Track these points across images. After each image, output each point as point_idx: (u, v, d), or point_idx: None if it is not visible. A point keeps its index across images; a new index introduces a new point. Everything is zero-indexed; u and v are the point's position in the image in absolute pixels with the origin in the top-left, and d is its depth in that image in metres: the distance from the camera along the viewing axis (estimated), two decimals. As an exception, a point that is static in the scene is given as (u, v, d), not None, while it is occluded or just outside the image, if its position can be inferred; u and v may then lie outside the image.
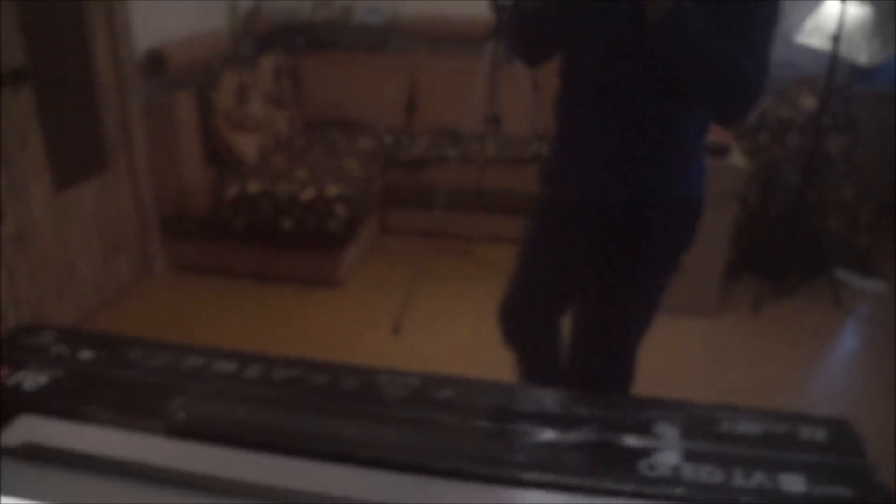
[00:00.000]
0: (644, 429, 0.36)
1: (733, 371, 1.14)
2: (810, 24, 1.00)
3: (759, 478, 0.34)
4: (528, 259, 0.72)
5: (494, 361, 0.80)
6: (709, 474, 0.34)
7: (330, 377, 0.40)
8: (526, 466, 0.33)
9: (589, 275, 0.64)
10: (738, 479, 0.34)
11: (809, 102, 0.99)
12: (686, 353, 1.20)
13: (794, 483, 0.34)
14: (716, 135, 0.91)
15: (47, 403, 0.40)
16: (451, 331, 1.19)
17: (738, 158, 1.05)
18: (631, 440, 0.36)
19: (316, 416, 0.39)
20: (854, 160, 0.98)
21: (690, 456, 0.34)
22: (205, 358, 0.44)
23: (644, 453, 0.35)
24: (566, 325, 0.69)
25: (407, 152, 1.48)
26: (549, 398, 0.39)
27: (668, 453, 0.36)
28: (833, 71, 1.01)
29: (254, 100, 1.44)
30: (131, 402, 0.40)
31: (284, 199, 1.16)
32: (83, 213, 1.16)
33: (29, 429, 0.39)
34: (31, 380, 0.43)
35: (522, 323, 0.75)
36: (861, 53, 0.87)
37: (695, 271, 0.92)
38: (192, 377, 0.42)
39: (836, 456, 0.35)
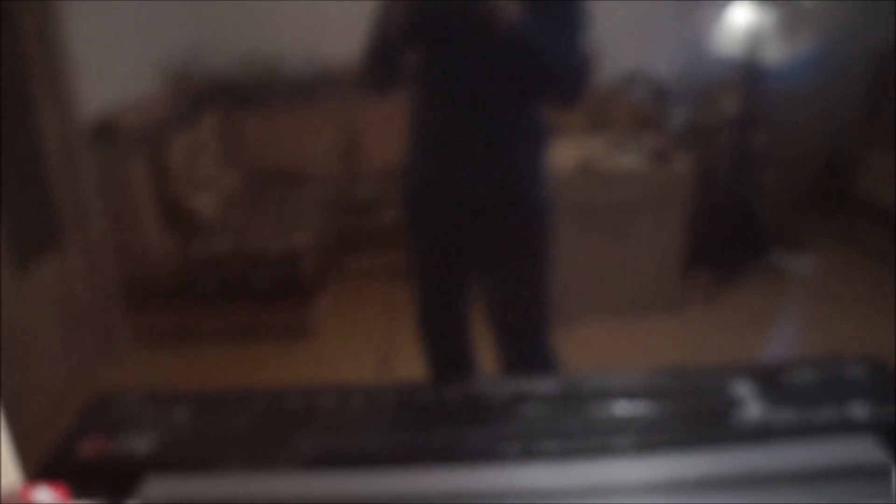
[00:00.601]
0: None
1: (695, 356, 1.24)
2: (722, 33, 1.12)
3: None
4: (423, 282, 0.80)
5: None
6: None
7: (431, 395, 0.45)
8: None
9: (481, 272, 0.73)
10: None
11: (731, 105, 1.09)
12: (650, 347, 1.29)
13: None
14: (658, 143, 1.01)
15: (168, 460, 0.43)
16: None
17: (678, 164, 1.15)
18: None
19: (422, 428, 0.44)
20: (774, 152, 1.10)
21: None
22: (304, 397, 0.49)
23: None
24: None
25: (356, 197, 1.53)
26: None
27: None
28: (748, 74, 1.14)
29: (203, 159, 1.46)
30: (254, 443, 0.44)
31: (254, 254, 1.19)
32: (42, 292, 1.16)
33: (161, 488, 0.41)
34: (141, 442, 0.45)
35: (438, 329, 0.82)
36: (769, 56, 0.98)
37: (652, 271, 1.01)
38: (302, 414, 0.47)
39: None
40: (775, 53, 1.00)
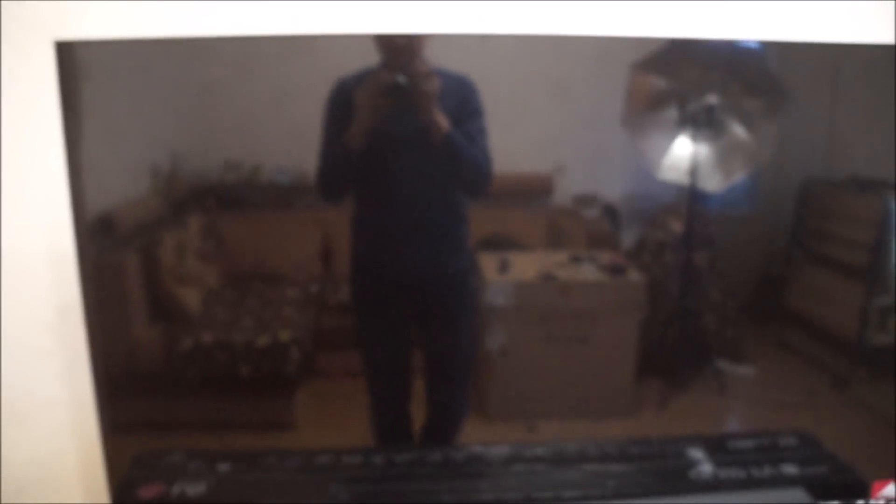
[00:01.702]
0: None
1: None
2: (667, 162, 1.25)
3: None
4: (369, 348, 0.97)
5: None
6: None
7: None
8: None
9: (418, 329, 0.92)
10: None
11: (676, 226, 1.21)
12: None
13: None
14: (613, 259, 1.10)
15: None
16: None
17: (633, 275, 1.25)
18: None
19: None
20: (717, 268, 1.21)
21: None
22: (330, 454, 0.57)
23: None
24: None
25: (334, 297, 1.59)
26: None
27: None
28: (691, 199, 1.26)
29: (189, 256, 1.52)
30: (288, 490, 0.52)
31: (241, 347, 1.23)
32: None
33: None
34: (193, 488, 0.50)
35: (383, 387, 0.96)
36: (709, 183, 1.09)
37: (611, 378, 1.08)
38: (334, 468, 0.55)
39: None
40: (714, 181, 1.12)
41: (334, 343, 1.82)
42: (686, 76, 0.99)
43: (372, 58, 0.82)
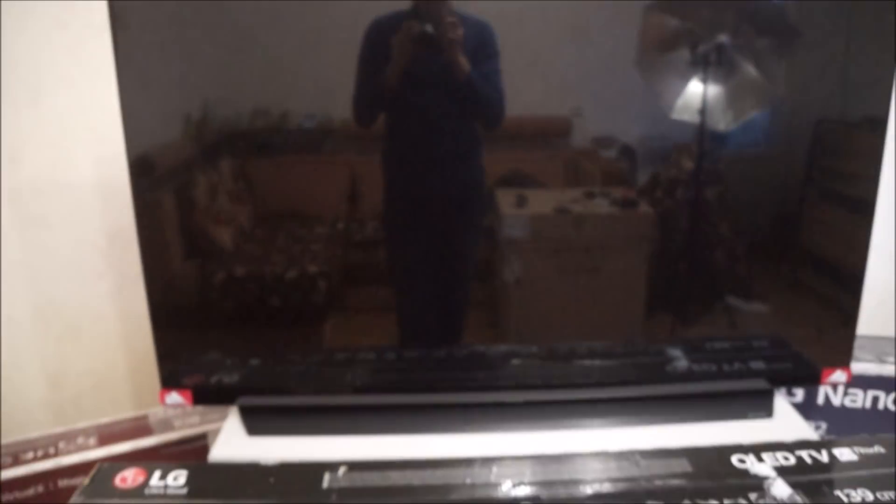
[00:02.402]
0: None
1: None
2: (680, 102, 1.28)
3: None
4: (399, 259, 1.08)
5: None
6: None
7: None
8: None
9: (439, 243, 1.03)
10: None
11: (688, 163, 1.25)
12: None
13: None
14: (626, 193, 1.15)
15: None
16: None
17: (644, 208, 1.30)
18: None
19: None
20: (727, 204, 1.25)
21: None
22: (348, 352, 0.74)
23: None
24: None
25: (360, 234, 1.67)
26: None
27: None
28: (701, 137, 1.29)
29: (222, 197, 1.60)
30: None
31: (271, 279, 1.31)
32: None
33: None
34: (227, 378, 0.63)
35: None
36: (719, 123, 1.13)
37: (621, 309, 1.13)
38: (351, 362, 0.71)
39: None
40: (725, 120, 1.16)
41: (359, 277, 1.90)
42: (698, 15, 1.01)
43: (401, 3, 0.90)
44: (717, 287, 1.28)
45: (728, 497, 0.65)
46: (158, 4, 0.87)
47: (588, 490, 0.67)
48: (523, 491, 0.67)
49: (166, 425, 1.03)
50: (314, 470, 0.70)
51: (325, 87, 0.95)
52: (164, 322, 0.97)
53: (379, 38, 0.92)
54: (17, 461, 0.95)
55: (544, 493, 0.67)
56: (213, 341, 0.98)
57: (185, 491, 0.68)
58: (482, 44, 0.92)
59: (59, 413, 1.34)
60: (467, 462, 0.71)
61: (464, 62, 0.91)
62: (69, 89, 1.22)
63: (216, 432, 0.91)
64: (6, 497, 0.93)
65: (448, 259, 1.08)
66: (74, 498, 0.67)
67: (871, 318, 1.39)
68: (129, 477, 0.69)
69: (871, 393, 1.05)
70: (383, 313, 1.09)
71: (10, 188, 1.25)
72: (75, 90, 1.21)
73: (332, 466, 0.71)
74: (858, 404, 1.06)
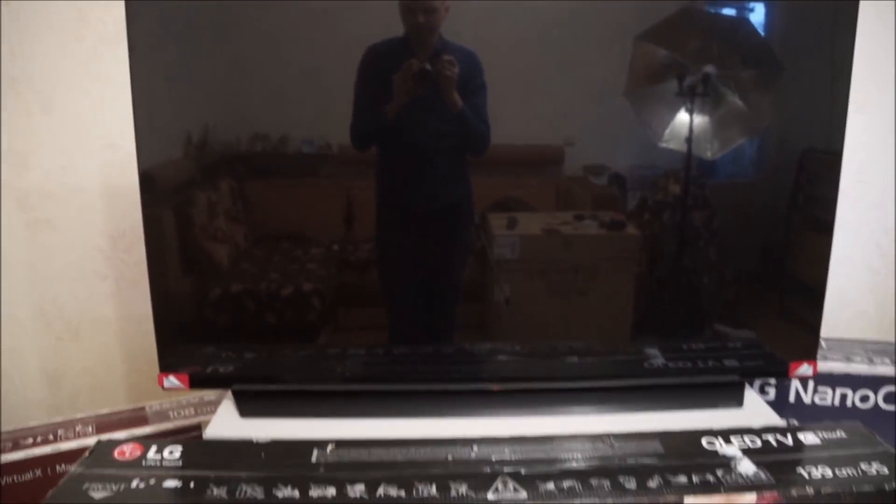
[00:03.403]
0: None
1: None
2: (668, 132, 1.32)
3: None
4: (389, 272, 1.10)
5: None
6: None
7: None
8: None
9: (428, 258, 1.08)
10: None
11: (675, 189, 1.28)
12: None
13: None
14: (614, 216, 1.18)
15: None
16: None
17: (632, 230, 1.33)
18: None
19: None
20: (713, 229, 1.28)
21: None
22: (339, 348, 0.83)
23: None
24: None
25: (354, 255, 1.70)
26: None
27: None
28: (689, 165, 1.33)
29: (220, 217, 1.64)
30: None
31: (266, 296, 1.33)
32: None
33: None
34: (222, 369, 0.68)
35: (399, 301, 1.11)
36: (706, 150, 1.17)
37: (608, 330, 1.15)
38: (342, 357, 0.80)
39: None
40: (711, 149, 1.19)
41: (353, 297, 1.92)
42: (685, 47, 1.05)
43: (394, 27, 0.93)
44: (703, 311, 1.30)
45: (697, 473, 0.69)
46: (169, 28, 0.92)
47: (563, 467, 0.71)
48: (502, 467, 0.71)
49: (162, 416, 1.06)
50: (303, 446, 0.74)
51: (322, 113, 1.00)
52: (165, 323, 1.00)
53: (375, 65, 0.97)
54: (16, 446, 0.97)
55: (522, 470, 0.70)
56: (210, 339, 1.01)
57: (180, 463, 0.71)
58: (470, 75, 0.97)
59: (56, 412, 1.35)
60: (449, 441, 0.76)
61: (457, 98, 0.97)
62: (80, 99, 1.27)
63: (212, 418, 0.95)
64: (6, 480, 0.96)
65: (438, 276, 1.11)
66: (74, 469, 0.70)
67: (846, 324, 1.46)
68: (127, 451, 0.73)
69: (839, 391, 1.09)
70: (375, 330, 1.12)
71: (18, 191, 1.30)
72: (86, 100, 1.27)
73: (320, 443, 0.75)
74: (828, 402, 1.10)
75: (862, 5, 0.94)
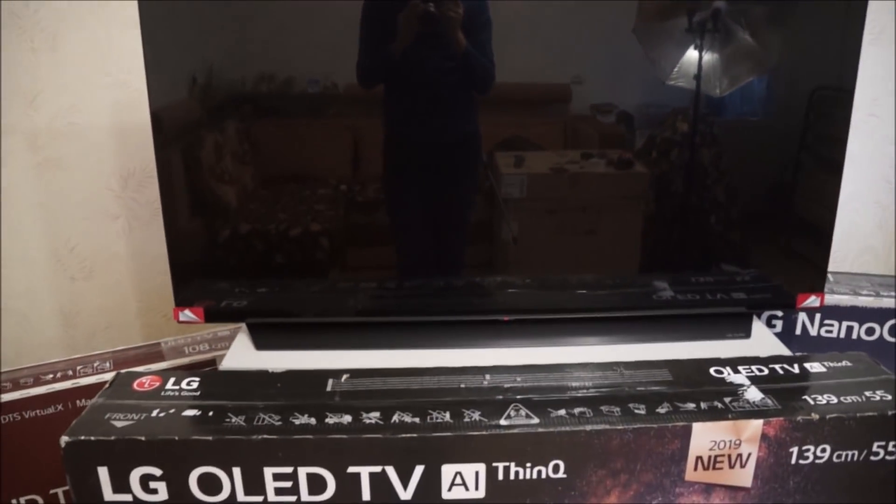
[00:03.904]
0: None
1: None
2: (676, 69, 1.31)
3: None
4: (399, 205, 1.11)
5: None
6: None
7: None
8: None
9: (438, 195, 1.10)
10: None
11: (683, 126, 1.28)
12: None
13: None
14: (622, 154, 1.18)
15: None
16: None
17: (640, 167, 1.33)
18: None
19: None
20: (721, 168, 1.28)
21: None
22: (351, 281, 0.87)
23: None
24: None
25: (362, 196, 1.71)
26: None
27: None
28: (697, 102, 1.33)
29: (227, 158, 1.64)
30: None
31: (275, 236, 1.34)
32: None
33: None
34: (235, 303, 0.71)
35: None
36: (714, 89, 1.16)
37: (616, 270, 1.16)
38: (354, 290, 0.80)
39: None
40: (720, 86, 1.18)
41: (361, 237, 1.93)
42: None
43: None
44: (712, 249, 1.30)
45: (704, 400, 0.70)
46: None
47: (574, 395, 0.72)
48: (514, 395, 0.72)
49: (178, 352, 1.08)
50: (318, 376, 0.76)
51: (328, 52, 0.99)
52: (180, 258, 1.02)
53: (380, 4, 0.97)
54: (37, 381, 1.00)
55: (534, 397, 0.72)
56: (223, 276, 1.03)
57: (198, 393, 0.73)
58: (476, 10, 0.97)
59: (73, 351, 1.38)
60: (462, 370, 0.77)
61: (462, 38, 0.97)
62: (87, 35, 1.25)
63: (228, 352, 0.97)
64: (28, 414, 0.98)
65: (446, 213, 1.13)
66: (96, 400, 0.72)
67: (853, 259, 1.47)
68: (146, 382, 0.75)
69: (845, 324, 1.11)
70: (384, 270, 1.13)
71: (26, 131, 1.29)
72: (92, 36, 1.25)
73: (335, 373, 0.77)
74: (834, 334, 1.12)
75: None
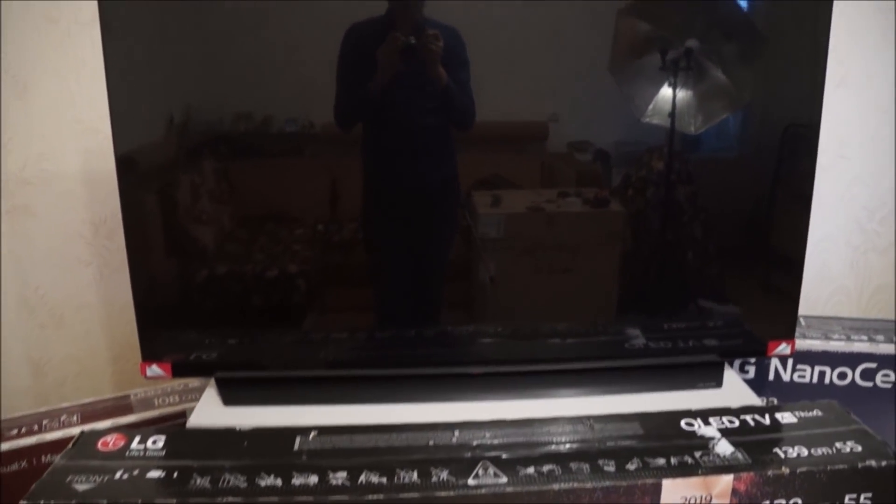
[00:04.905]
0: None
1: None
2: (651, 107, 1.32)
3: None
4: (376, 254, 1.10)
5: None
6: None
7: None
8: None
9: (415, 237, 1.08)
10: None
11: (659, 164, 1.28)
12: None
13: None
14: (598, 193, 1.18)
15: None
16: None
17: (616, 206, 1.33)
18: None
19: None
20: (697, 205, 1.28)
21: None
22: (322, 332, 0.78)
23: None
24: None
25: (339, 236, 1.69)
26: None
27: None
28: (672, 140, 1.33)
29: (204, 197, 1.63)
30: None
31: (252, 278, 1.33)
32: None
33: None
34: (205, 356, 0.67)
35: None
36: (689, 126, 1.17)
37: (592, 311, 1.16)
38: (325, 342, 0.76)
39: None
40: (694, 123, 1.19)
41: (339, 278, 1.91)
42: (668, 20, 1.04)
43: (376, 5, 0.92)
44: (687, 287, 1.30)
45: (675, 455, 0.70)
46: (144, 7, 0.90)
47: (544, 451, 0.71)
48: (483, 452, 0.71)
49: (147, 405, 1.07)
50: (286, 434, 0.75)
51: (306, 91, 0.98)
52: (147, 311, 1.00)
53: (358, 44, 0.96)
54: (1, 437, 0.98)
55: (503, 454, 0.71)
56: (193, 326, 1.01)
57: (163, 453, 0.72)
58: (453, 51, 0.97)
59: (42, 400, 1.36)
60: (431, 426, 0.76)
61: (442, 73, 0.96)
62: (57, 82, 1.25)
63: (195, 407, 0.95)
64: (-9, 471, 0.97)
65: (424, 256, 1.11)
66: (58, 461, 0.70)
67: (826, 300, 1.47)
68: (110, 441, 0.73)
69: (817, 368, 1.11)
70: (361, 311, 1.11)
71: (-3, 178, 1.29)
72: (63, 83, 1.25)
73: (303, 430, 0.75)
74: (806, 379, 1.12)
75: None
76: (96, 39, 0.88)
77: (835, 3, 0.94)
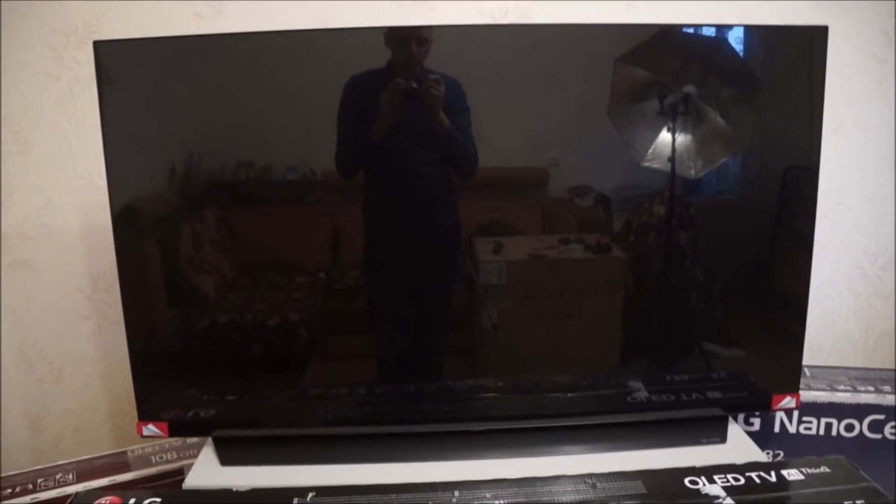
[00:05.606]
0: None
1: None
2: (651, 151, 1.31)
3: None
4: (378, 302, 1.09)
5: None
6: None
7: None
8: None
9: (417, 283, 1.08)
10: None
11: (660, 209, 1.28)
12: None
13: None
14: (600, 239, 1.17)
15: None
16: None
17: (617, 252, 1.32)
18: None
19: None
20: (699, 249, 1.27)
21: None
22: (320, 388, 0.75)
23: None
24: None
25: (341, 283, 1.68)
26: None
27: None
28: (673, 184, 1.33)
29: (205, 246, 1.62)
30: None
31: (253, 327, 1.31)
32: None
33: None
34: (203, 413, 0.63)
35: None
36: (689, 170, 1.16)
37: (595, 357, 1.14)
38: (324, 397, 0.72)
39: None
40: (694, 168, 1.19)
41: (340, 325, 1.89)
42: (665, 67, 1.05)
43: (376, 57, 0.93)
44: (690, 333, 1.28)
45: None
46: (143, 62, 0.91)
47: (546, 511, 0.69)
48: (484, 512, 0.70)
49: (144, 461, 1.05)
50: (284, 495, 0.73)
51: (306, 140, 0.99)
52: (144, 364, 0.99)
53: (358, 94, 0.96)
54: (-4, 497, 0.97)
55: (504, 515, 0.69)
56: (190, 380, 1.00)
57: (158, 516, 0.71)
58: (454, 99, 0.97)
59: (39, 455, 1.35)
60: (430, 486, 0.75)
61: (444, 118, 0.96)
62: (57, 138, 1.26)
63: (192, 467, 0.94)
64: (-14, 532, 0.95)
65: (426, 304, 1.10)
66: (51, 526, 0.68)
67: (831, 347, 1.44)
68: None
69: (824, 420, 1.09)
70: (363, 359, 1.10)
71: (-3, 233, 1.29)
72: (63, 139, 1.26)
73: (300, 491, 0.74)
74: (813, 431, 1.10)
75: (833, 28, 0.94)
76: (96, 97, 0.89)
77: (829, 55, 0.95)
